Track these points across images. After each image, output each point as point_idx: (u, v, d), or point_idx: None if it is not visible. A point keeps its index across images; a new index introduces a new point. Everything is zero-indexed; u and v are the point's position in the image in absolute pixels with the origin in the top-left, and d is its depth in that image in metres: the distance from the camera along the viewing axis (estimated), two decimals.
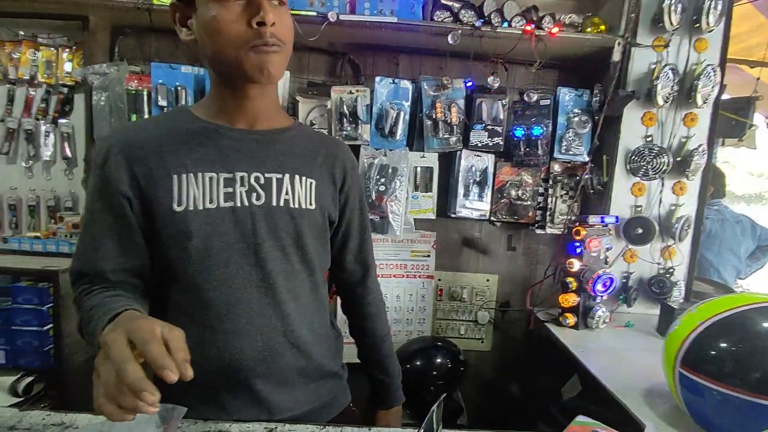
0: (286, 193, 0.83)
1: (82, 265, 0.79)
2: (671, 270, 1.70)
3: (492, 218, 1.82)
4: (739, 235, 2.60)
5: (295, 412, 0.87)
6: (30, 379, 1.59)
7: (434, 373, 1.69)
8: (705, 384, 0.85)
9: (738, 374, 0.82)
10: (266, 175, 0.82)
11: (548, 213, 1.81)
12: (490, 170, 1.77)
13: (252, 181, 0.81)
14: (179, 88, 1.62)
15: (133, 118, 1.63)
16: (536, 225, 1.83)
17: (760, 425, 0.79)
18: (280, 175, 0.83)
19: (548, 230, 1.80)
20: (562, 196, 1.80)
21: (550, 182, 1.80)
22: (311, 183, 0.86)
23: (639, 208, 1.69)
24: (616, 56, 1.62)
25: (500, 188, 1.81)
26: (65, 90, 1.79)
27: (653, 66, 1.63)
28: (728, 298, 0.92)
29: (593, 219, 1.48)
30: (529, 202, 1.81)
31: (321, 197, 0.87)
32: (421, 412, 1.57)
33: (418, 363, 1.68)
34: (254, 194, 0.81)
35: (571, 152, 1.73)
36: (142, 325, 0.56)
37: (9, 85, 1.80)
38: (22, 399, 1.57)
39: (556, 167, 1.79)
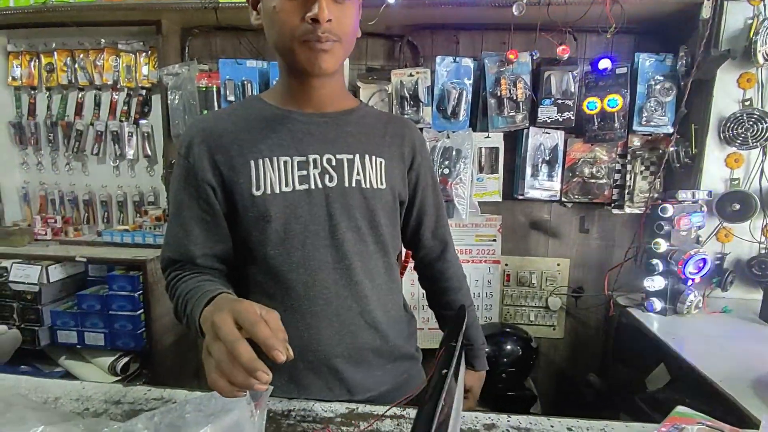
0: (358, 174, 0.83)
1: (173, 252, 0.82)
2: None
3: (563, 199, 1.72)
4: None
5: (373, 393, 0.87)
6: (127, 359, 1.75)
7: (504, 360, 1.64)
8: None
9: None
10: (338, 156, 0.82)
11: (626, 191, 1.67)
12: (561, 147, 1.67)
13: (324, 163, 0.81)
14: (245, 82, 1.68)
15: (205, 113, 1.72)
16: (613, 204, 1.71)
17: None
18: (351, 156, 0.83)
19: (627, 210, 1.67)
20: (642, 172, 1.66)
21: (629, 157, 1.66)
22: (381, 162, 0.85)
23: (735, 182, 1.52)
24: (706, 12, 1.45)
25: (572, 166, 1.70)
26: (143, 92, 1.92)
27: (750, 21, 1.44)
28: None
29: (683, 194, 1.35)
30: (604, 180, 1.69)
31: (391, 177, 0.87)
32: (493, 402, 1.54)
33: (487, 350, 1.64)
34: (327, 176, 0.81)
35: (652, 123, 1.58)
36: (247, 307, 0.58)
37: (95, 90, 1.96)
38: (120, 377, 1.73)
39: (635, 141, 1.65)
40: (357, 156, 0.83)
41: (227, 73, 1.68)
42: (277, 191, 0.79)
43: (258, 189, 0.78)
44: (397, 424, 0.74)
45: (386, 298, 0.89)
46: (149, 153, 1.97)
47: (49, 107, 2.01)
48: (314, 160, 0.81)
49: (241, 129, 0.81)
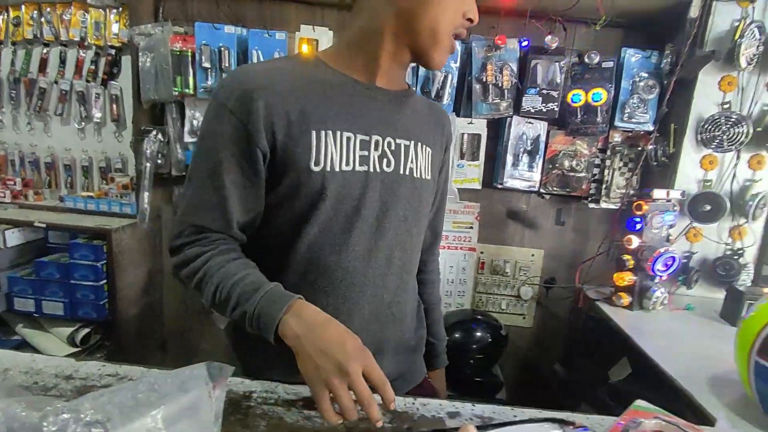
0: (411, 162, 0.80)
1: (203, 220, 0.73)
2: (740, 251, 1.56)
3: (541, 190, 1.72)
4: None
5: None
6: (87, 330, 1.69)
7: (474, 346, 1.66)
8: None
9: None
10: (397, 140, 0.78)
11: (604, 186, 1.69)
12: (543, 138, 1.67)
13: (385, 146, 0.77)
14: (222, 48, 1.60)
15: (179, 80, 1.63)
16: (589, 199, 1.72)
17: None
18: (408, 142, 0.80)
19: (602, 204, 1.69)
20: (620, 168, 1.67)
21: (608, 153, 1.67)
22: (429, 152, 0.83)
23: (708, 183, 1.55)
24: (695, 11, 1.45)
25: (552, 158, 1.70)
26: (113, 52, 1.81)
27: (736, 23, 1.45)
28: None
29: (658, 193, 1.37)
30: (583, 174, 1.70)
31: (434, 167, 0.86)
32: (461, 387, 1.56)
33: (457, 336, 1.65)
34: (385, 160, 0.77)
35: (634, 120, 1.59)
36: (373, 364, 0.62)
37: (61, 47, 1.83)
38: (80, 348, 1.68)
39: (616, 137, 1.66)
40: (412, 143, 0.80)
41: (203, 38, 1.60)
42: (337, 169, 0.73)
43: (317, 164, 0.72)
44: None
45: (413, 292, 0.89)
46: (117, 117, 1.87)
47: (13, 63, 1.87)
48: (376, 142, 0.76)
49: (302, 92, 0.73)
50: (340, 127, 0.73)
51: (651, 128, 1.59)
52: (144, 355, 1.86)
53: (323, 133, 0.72)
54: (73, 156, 1.93)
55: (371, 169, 0.76)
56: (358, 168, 0.75)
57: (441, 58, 0.76)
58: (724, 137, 1.46)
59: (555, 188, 1.72)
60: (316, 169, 0.72)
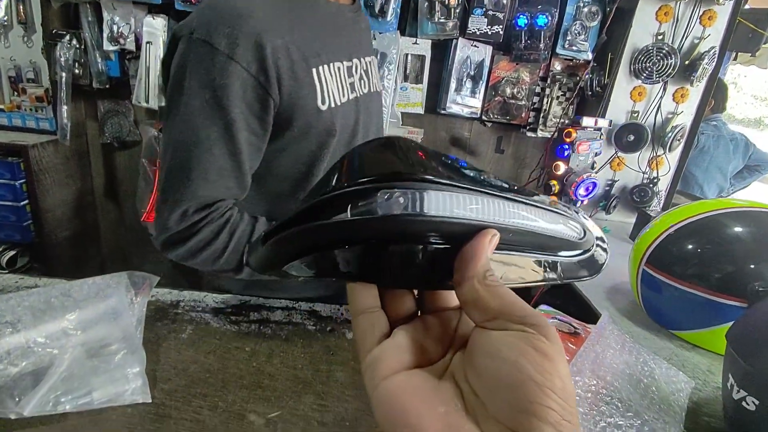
0: (373, 77, 0.80)
1: (212, 190, 0.65)
2: (655, 180, 1.69)
3: (483, 117, 1.75)
4: (730, 153, 2.57)
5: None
6: (12, 252, 1.62)
7: None
8: (665, 281, 0.88)
9: (699, 274, 0.84)
10: (365, 59, 0.78)
11: (542, 115, 1.74)
12: (487, 63, 1.66)
13: (361, 67, 0.76)
14: None
15: None
16: (528, 127, 1.77)
17: (711, 319, 0.84)
18: (369, 58, 0.79)
19: (539, 133, 1.75)
20: (558, 97, 1.71)
21: (549, 81, 1.70)
22: (375, 62, 0.83)
23: (635, 114, 1.63)
24: None
25: (495, 85, 1.70)
26: None
27: None
28: (704, 203, 0.92)
29: (587, 121, 1.43)
30: (523, 102, 1.73)
31: None
32: None
33: None
34: (362, 81, 0.77)
35: (574, 48, 1.61)
36: None
37: None
38: (6, 271, 1.61)
39: (557, 65, 1.68)
40: (371, 58, 0.79)
41: None
42: (339, 103, 0.71)
43: (323, 102, 0.68)
44: (288, 315, 0.78)
45: None
46: (24, 18, 1.65)
47: None
48: (356, 66, 0.74)
49: (291, 23, 0.65)
50: (331, 57, 0.70)
51: (590, 57, 1.62)
52: (81, 279, 1.82)
53: (321, 68, 0.69)
54: None
55: (357, 94, 0.76)
56: (351, 97, 0.74)
57: None
58: (654, 69, 1.52)
59: (496, 116, 1.75)
60: (324, 107, 0.69)
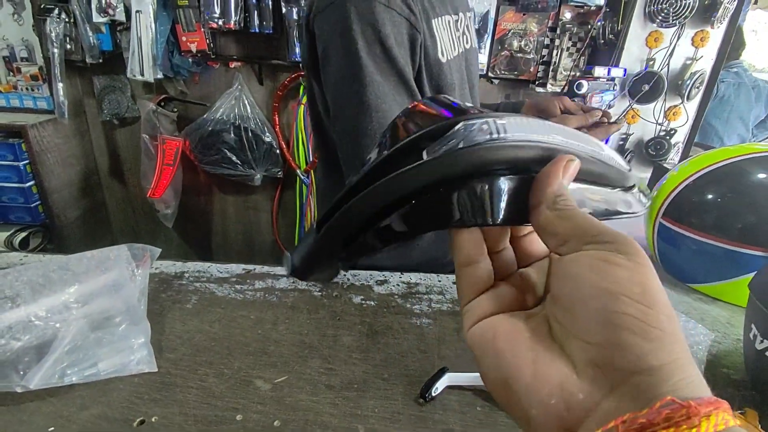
0: (473, 33, 0.79)
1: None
2: (672, 132, 1.62)
3: (489, 74, 1.68)
4: (752, 101, 2.44)
5: None
6: (24, 234, 1.63)
7: None
8: (683, 233, 0.84)
9: (720, 225, 0.80)
10: (467, 13, 0.77)
11: (551, 68, 1.66)
12: (492, 15, 1.57)
13: (464, 22, 0.75)
14: None
15: None
16: (537, 82, 1.70)
17: (732, 271, 0.80)
18: (470, 13, 0.78)
19: (549, 88, 1.67)
20: (568, 48, 1.63)
21: (558, 31, 1.61)
22: (472, 17, 0.82)
23: (652, 62, 1.54)
24: None
25: (501, 38, 1.62)
26: None
27: None
28: (726, 150, 0.87)
29: (599, 71, 1.36)
30: (531, 56, 1.65)
31: None
32: None
33: None
34: (465, 37, 0.75)
35: None
36: None
37: None
38: (21, 253, 1.63)
39: (567, 13, 1.59)
40: (470, 12, 0.79)
41: None
42: (451, 56, 0.70)
43: (442, 54, 0.68)
44: (293, 282, 0.76)
45: None
46: None
47: None
48: (461, 19, 0.74)
49: None
50: (442, 11, 0.70)
51: (602, 2, 1.52)
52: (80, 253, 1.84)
53: (438, 20, 0.68)
54: None
55: (463, 49, 0.75)
56: (459, 51, 0.73)
57: None
58: (671, 10, 1.42)
59: (503, 71, 1.68)
60: (443, 59, 0.69)
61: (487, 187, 0.21)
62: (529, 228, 0.25)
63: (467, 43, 0.77)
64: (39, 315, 0.54)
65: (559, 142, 0.22)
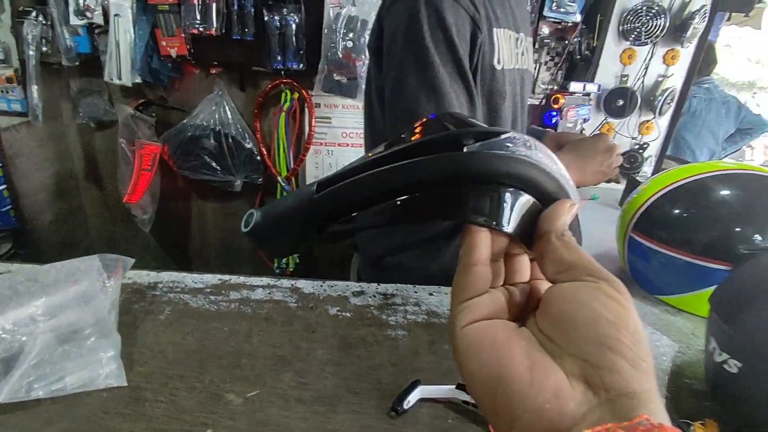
0: (531, 57, 0.82)
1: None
2: (645, 145, 1.67)
3: None
4: (722, 116, 2.54)
5: None
6: None
7: None
8: (652, 247, 0.87)
9: (685, 239, 0.83)
10: (528, 37, 0.80)
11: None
12: None
13: (523, 42, 0.77)
14: None
15: None
16: None
17: (696, 283, 0.83)
18: (530, 38, 0.81)
19: (528, 101, 1.70)
20: (546, 62, 1.67)
21: (536, 46, 1.65)
22: (531, 43, 0.85)
23: (625, 78, 1.59)
24: None
25: None
26: None
27: None
28: (692, 166, 0.90)
29: (575, 86, 1.40)
30: None
31: None
32: None
33: None
34: (524, 57, 0.78)
35: (563, 10, 1.55)
36: None
37: None
38: None
39: (545, 29, 1.63)
40: (530, 38, 0.82)
41: None
42: (507, 67, 0.72)
43: (499, 62, 0.70)
44: (269, 293, 0.76)
45: None
46: None
47: None
48: (521, 39, 0.76)
49: None
50: (504, 23, 0.72)
51: (578, 19, 1.57)
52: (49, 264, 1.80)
53: (500, 30, 0.70)
54: None
55: (520, 66, 0.77)
56: (516, 66, 0.75)
57: None
58: (643, 29, 1.48)
59: None
60: (498, 67, 0.70)
61: (515, 198, 0.24)
62: (517, 249, 0.27)
63: (524, 64, 0.80)
64: (5, 328, 0.53)
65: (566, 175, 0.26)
